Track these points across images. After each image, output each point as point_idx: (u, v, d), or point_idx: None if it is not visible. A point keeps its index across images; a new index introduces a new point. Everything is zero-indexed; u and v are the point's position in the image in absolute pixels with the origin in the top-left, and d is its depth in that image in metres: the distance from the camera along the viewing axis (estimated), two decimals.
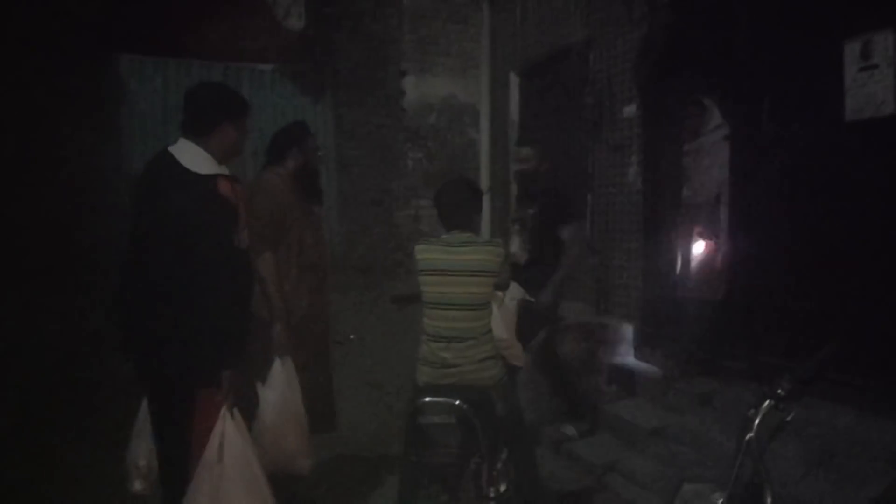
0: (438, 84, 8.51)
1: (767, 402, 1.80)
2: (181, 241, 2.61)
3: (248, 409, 3.19)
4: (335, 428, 3.92)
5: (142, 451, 2.91)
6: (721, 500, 1.70)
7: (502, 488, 3.15)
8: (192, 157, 2.72)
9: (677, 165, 5.31)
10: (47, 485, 3.77)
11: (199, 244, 2.61)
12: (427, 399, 2.92)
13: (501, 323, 3.54)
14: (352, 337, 6.10)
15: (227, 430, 2.65)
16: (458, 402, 2.86)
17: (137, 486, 2.96)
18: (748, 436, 1.76)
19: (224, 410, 2.66)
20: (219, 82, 3.28)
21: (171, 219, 2.64)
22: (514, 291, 3.72)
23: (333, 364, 4.11)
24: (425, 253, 3.24)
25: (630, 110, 5.73)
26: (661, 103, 5.48)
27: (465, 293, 3.15)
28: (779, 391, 1.80)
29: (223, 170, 2.81)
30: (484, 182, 7.98)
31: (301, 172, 3.81)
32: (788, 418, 1.83)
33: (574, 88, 6.57)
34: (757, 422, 1.78)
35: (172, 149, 2.78)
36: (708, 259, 4.93)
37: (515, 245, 4.60)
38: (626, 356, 5.32)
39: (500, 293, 3.47)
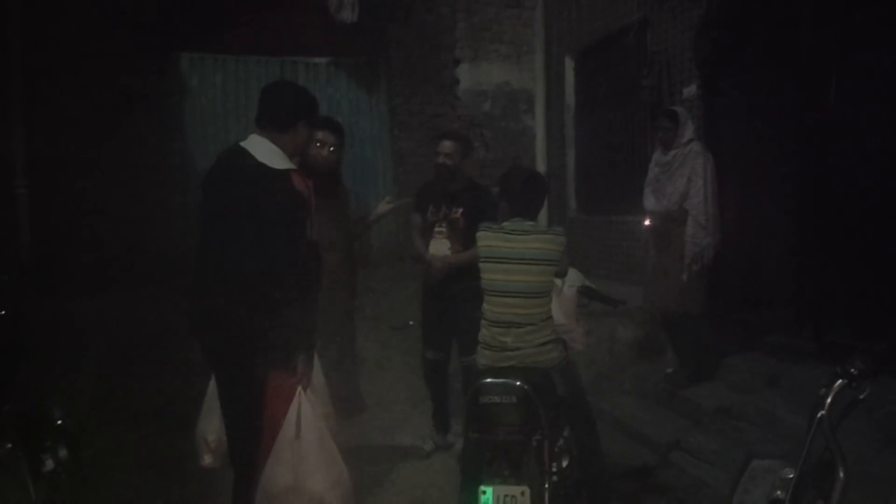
0: (493, 71, 8.48)
1: (840, 380, 1.76)
2: (258, 232, 2.70)
3: None
4: (363, 410, 4.08)
5: (211, 426, 3.02)
6: (791, 476, 1.68)
7: (564, 464, 3.16)
8: (267, 152, 2.81)
9: (740, 147, 5.20)
10: (123, 462, 3.94)
11: (275, 236, 2.70)
12: (488, 380, 2.94)
13: (561, 308, 3.54)
14: (410, 323, 6.17)
15: (304, 407, 2.75)
16: (518, 383, 2.87)
17: (207, 460, 3.09)
18: (819, 413, 1.73)
19: (299, 390, 2.75)
20: (294, 82, 3.39)
21: (248, 211, 2.73)
22: (574, 277, 3.71)
23: (359, 351, 4.26)
24: (486, 240, 3.25)
25: (690, 91, 5.61)
26: (723, 83, 5.36)
27: (524, 281, 3.15)
28: (852, 370, 1.76)
29: (293, 165, 2.88)
30: (540, 168, 7.93)
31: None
32: (862, 396, 1.79)
33: (631, 70, 6.47)
34: (829, 400, 1.74)
35: (245, 144, 2.86)
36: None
37: (445, 248, 4.25)
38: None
39: (558, 280, 3.46)
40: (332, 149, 3.84)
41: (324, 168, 3.79)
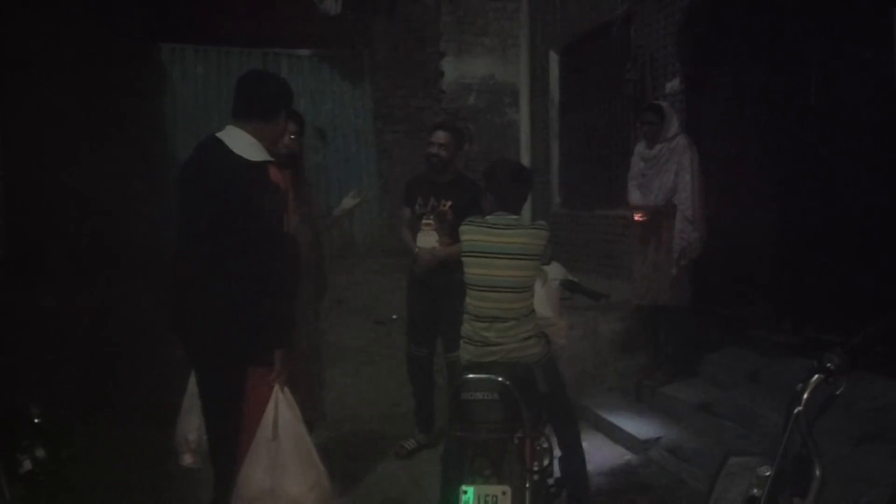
0: (477, 64, 8.46)
1: (816, 375, 1.75)
2: (235, 225, 2.67)
3: None
4: (324, 417, 4.05)
5: (191, 425, 2.99)
6: (768, 474, 1.67)
7: (545, 462, 3.16)
8: (243, 144, 2.76)
9: (722, 141, 5.22)
10: (103, 462, 3.90)
11: (252, 229, 2.67)
12: (470, 376, 2.92)
13: (545, 302, 3.53)
14: (394, 317, 6.15)
15: (281, 407, 2.72)
16: (500, 379, 2.86)
17: (187, 459, 3.05)
18: (796, 409, 1.72)
19: (276, 388, 2.73)
20: (271, 72, 3.34)
21: (224, 204, 2.70)
22: (557, 271, 3.70)
23: (326, 359, 4.21)
24: (469, 234, 3.24)
25: (673, 85, 5.62)
26: (706, 78, 5.38)
27: (508, 276, 3.14)
28: (828, 365, 1.75)
29: (269, 157, 2.84)
30: (524, 162, 7.92)
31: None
32: (838, 392, 1.78)
33: (615, 65, 6.48)
34: (806, 396, 1.73)
35: (221, 135, 2.82)
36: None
37: (433, 241, 4.21)
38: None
39: (545, 268, 3.45)
40: (292, 136, 3.78)
41: (287, 158, 3.72)
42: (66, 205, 6.57)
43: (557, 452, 3.32)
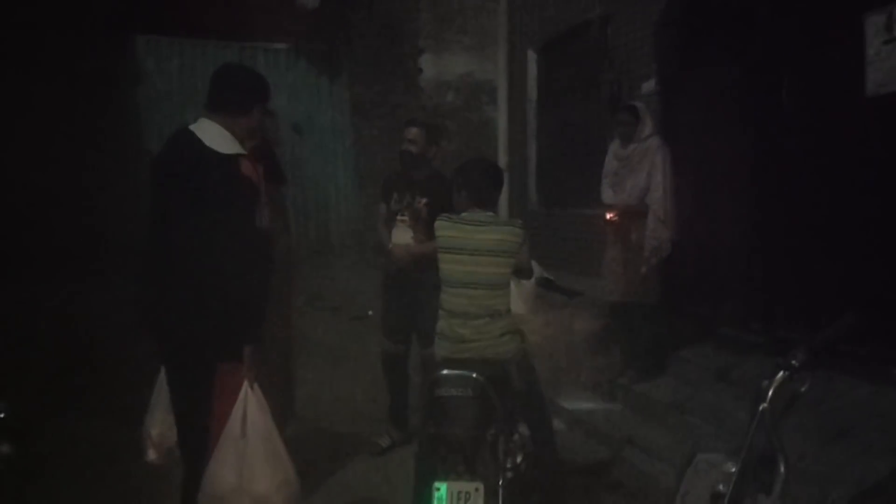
0: (456, 62, 8.46)
1: (781, 373, 1.78)
2: (205, 219, 2.65)
3: None
4: (294, 415, 4.05)
5: (155, 420, 2.97)
6: (734, 470, 1.71)
7: (519, 459, 3.17)
8: (215, 136, 2.74)
9: (695, 142, 5.27)
10: (68, 459, 3.85)
11: (222, 223, 2.65)
12: (445, 372, 2.94)
13: (519, 299, 3.55)
14: (369, 313, 6.15)
15: (250, 405, 2.70)
16: (475, 376, 2.87)
17: (151, 455, 3.02)
18: (761, 406, 1.75)
19: (245, 386, 2.71)
20: (246, 66, 3.33)
21: (195, 197, 2.68)
22: (533, 269, 3.72)
23: (294, 356, 4.22)
24: (444, 230, 3.24)
25: (649, 86, 5.67)
26: (680, 79, 5.43)
27: (483, 272, 3.15)
28: (793, 362, 1.79)
29: (242, 150, 2.82)
30: (502, 160, 7.94)
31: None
32: (803, 389, 1.82)
33: (592, 65, 6.52)
34: (770, 393, 1.76)
35: (194, 128, 2.80)
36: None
37: (407, 237, 4.22)
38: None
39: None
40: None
41: (262, 151, 3.67)
42: (34, 198, 6.47)
43: (531, 449, 3.33)
